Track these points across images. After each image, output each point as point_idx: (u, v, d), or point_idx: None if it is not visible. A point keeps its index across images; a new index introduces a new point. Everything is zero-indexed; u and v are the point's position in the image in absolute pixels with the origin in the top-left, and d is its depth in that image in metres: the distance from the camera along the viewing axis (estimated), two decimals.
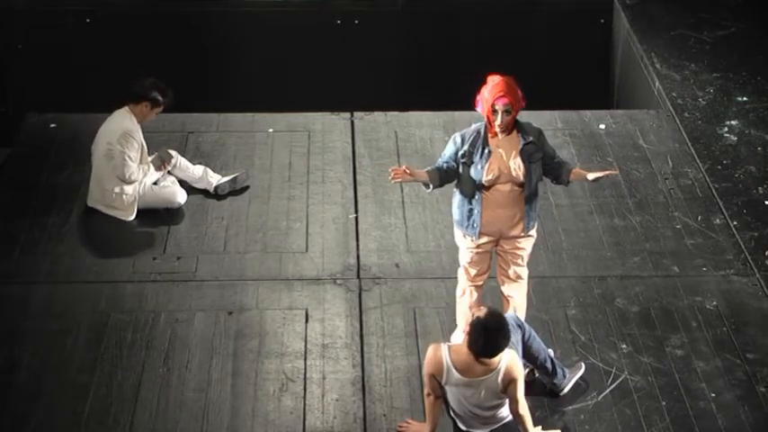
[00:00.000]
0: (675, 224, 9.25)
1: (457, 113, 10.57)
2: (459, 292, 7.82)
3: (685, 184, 9.75)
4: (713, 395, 7.57)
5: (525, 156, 7.38)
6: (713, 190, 9.60)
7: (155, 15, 12.58)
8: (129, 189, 9.16)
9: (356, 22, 12.68)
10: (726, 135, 10.38)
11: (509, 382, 6.80)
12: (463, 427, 7.09)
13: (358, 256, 8.89)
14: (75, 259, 8.83)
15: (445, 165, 7.47)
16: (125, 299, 8.40)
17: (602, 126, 10.62)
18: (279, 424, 7.35)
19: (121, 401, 7.50)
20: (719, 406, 7.48)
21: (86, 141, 9.51)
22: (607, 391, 7.61)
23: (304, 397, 7.55)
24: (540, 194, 7.63)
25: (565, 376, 7.50)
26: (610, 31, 12.78)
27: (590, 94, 12.42)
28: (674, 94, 10.98)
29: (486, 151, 7.35)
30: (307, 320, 8.21)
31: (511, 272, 7.65)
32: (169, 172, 9.50)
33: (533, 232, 7.60)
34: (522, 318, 7.54)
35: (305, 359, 7.85)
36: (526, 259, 7.68)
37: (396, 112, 10.83)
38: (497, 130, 7.36)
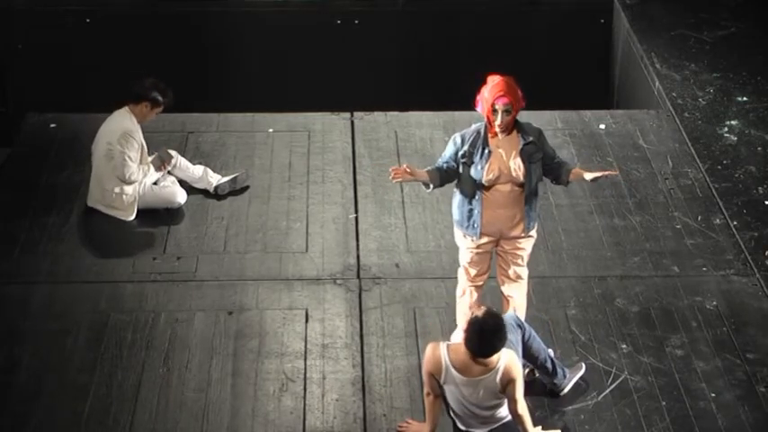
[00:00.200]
0: (675, 224, 9.25)
1: (457, 113, 10.57)
2: (459, 292, 7.82)
3: (685, 184, 9.75)
4: (713, 395, 7.57)
5: (525, 156, 7.38)
6: (713, 190, 9.61)
7: (155, 15, 12.58)
8: (129, 189, 9.16)
9: (356, 22, 12.69)
10: (726, 135, 10.38)
11: (507, 382, 6.79)
12: (462, 427, 7.08)
13: (358, 256, 8.89)
14: (75, 259, 8.83)
15: (445, 165, 7.47)
16: (125, 299, 8.40)
17: (602, 126, 10.62)
18: (279, 424, 7.35)
19: (121, 401, 7.50)
20: (719, 406, 7.48)
21: (86, 141, 9.51)
22: (607, 391, 7.60)
23: (304, 397, 7.55)
24: (540, 194, 7.63)
25: (565, 376, 7.50)
26: (610, 31, 12.78)
27: (590, 94, 12.42)
28: (674, 94, 10.98)
29: (486, 151, 7.35)
30: (307, 320, 8.21)
31: (511, 272, 7.65)
32: (169, 172, 9.50)
33: (533, 232, 7.60)
34: (522, 318, 7.54)
35: (305, 359, 7.85)
36: (526, 259, 7.68)
37: (396, 112, 10.83)
38: (497, 130, 7.36)
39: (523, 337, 7.24)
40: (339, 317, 8.25)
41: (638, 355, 7.89)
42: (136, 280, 8.60)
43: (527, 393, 7.00)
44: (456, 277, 7.83)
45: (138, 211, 9.21)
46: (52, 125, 10.52)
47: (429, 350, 6.90)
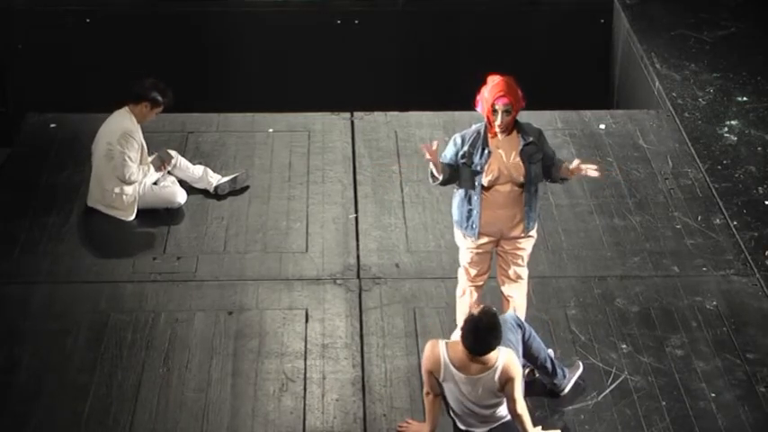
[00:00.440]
0: (675, 224, 9.25)
1: (457, 113, 10.57)
2: (459, 292, 7.82)
3: (685, 184, 9.75)
4: (713, 395, 7.57)
5: (525, 156, 7.37)
6: (713, 190, 9.60)
7: (155, 15, 12.58)
8: (129, 189, 9.16)
9: (356, 22, 12.68)
10: (726, 135, 10.38)
11: (506, 380, 6.80)
12: (462, 427, 7.09)
13: (358, 256, 8.88)
14: (75, 259, 8.83)
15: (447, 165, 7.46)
16: (125, 299, 8.40)
17: (602, 126, 10.62)
18: (279, 424, 7.35)
19: (121, 401, 7.50)
20: (719, 406, 7.48)
21: (86, 141, 9.51)
22: (607, 391, 7.60)
23: (304, 397, 7.55)
24: (540, 194, 7.63)
25: (565, 376, 7.50)
26: (610, 31, 12.77)
27: (590, 94, 12.42)
28: (674, 94, 10.98)
29: (486, 152, 7.35)
30: (307, 320, 8.21)
31: (511, 272, 7.65)
32: (169, 172, 9.50)
33: (533, 233, 7.59)
34: (522, 318, 7.54)
35: (305, 359, 7.85)
36: (526, 259, 7.68)
37: (396, 112, 10.83)
38: (497, 130, 7.35)
39: (523, 336, 7.24)
40: (339, 317, 8.25)
41: (638, 355, 7.89)
42: (136, 280, 8.60)
43: (527, 393, 7.00)
44: (456, 277, 7.83)
45: (138, 211, 9.21)
46: (52, 125, 10.52)
47: (428, 348, 6.90)
